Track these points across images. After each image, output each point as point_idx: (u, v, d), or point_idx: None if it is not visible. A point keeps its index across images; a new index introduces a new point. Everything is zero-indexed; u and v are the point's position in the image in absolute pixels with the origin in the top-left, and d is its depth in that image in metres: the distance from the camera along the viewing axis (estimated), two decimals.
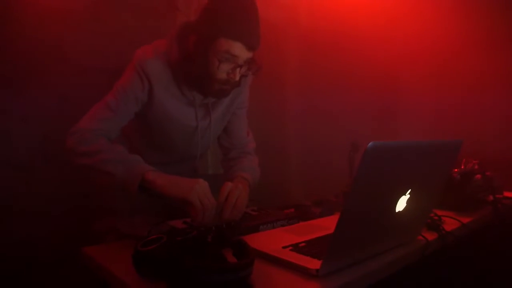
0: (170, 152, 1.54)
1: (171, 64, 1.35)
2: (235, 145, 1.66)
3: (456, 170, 1.66)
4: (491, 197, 1.63)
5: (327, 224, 1.31)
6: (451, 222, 1.37)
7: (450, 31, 2.60)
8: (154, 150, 1.52)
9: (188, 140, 1.50)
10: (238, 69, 1.30)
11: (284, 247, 1.04)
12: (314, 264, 0.91)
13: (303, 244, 1.08)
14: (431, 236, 1.22)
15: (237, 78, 1.31)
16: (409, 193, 1.00)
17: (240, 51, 1.26)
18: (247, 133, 1.69)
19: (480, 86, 2.53)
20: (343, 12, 2.93)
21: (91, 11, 2.26)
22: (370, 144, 0.78)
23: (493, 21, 2.46)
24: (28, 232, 1.99)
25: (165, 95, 1.37)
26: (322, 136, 3.06)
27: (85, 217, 1.56)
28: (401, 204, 1.00)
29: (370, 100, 3.00)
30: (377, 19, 2.83)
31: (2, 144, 2.01)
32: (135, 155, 1.26)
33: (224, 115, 1.57)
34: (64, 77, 2.19)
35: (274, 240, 1.13)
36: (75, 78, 2.22)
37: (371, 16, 2.82)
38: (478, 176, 1.66)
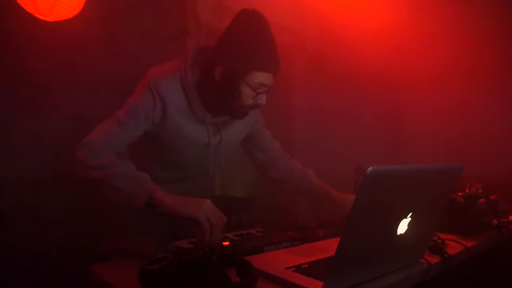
0: (182, 170, 1.58)
1: (184, 85, 1.40)
2: (274, 157, 1.77)
3: (460, 193, 1.67)
4: (495, 221, 1.63)
5: (330, 247, 1.31)
6: (454, 246, 1.37)
7: (456, 56, 2.63)
8: (166, 168, 1.56)
9: (200, 157, 1.54)
10: (265, 95, 1.38)
11: (287, 268, 1.06)
12: (316, 285, 0.92)
13: (306, 265, 1.09)
14: (434, 259, 1.22)
15: (264, 102, 1.39)
16: (410, 216, 1.02)
17: (270, 80, 1.36)
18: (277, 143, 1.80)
19: (486, 111, 2.54)
20: (348, 37, 2.98)
21: (104, 35, 2.33)
22: (369, 169, 0.81)
23: (500, 48, 2.49)
24: (37, 248, 2.01)
25: (177, 114, 1.42)
26: (329, 159, 3.08)
27: (94, 235, 1.58)
28: (403, 227, 1.02)
29: (377, 124, 3.02)
30: (384, 45, 2.88)
31: (16, 162, 2.06)
32: (143, 173, 1.29)
33: (238, 135, 1.63)
34: (77, 98, 2.25)
35: (277, 261, 1.14)
36: (88, 99, 2.28)
37: (377, 42, 2.87)
38: (482, 200, 1.66)
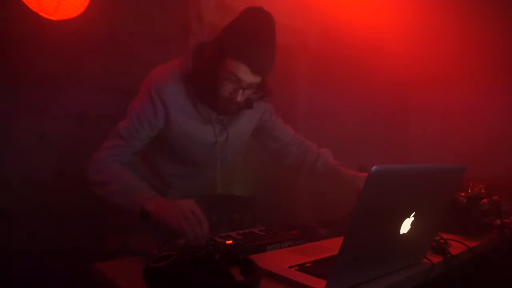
0: (190, 166, 1.59)
1: (186, 84, 1.40)
2: (288, 144, 1.77)
3: (462, 194, 1.67)
4: (498, 222, 1.63)
5: (333, 246, 1.32)
6: (457, 246, 1.38)
7: (459, 57, 2.63)
8: (175, 165, 1.57)
9: (208, 155, 1.55)
10: (240, 91, 1.33)
11: (290, 267, 1.07)
12: (319, 284, 0.93)
13: (309, 264, 1.10)
14: (436, 259, 1.22)
15: (239, 99, 1.35)
16: (413, 216, 1.02)
17: (244, 74, 1.29)
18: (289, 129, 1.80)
19: (488, 111, 2.54)
20: (351, 37, 2.98)
21: (107, 34, 2.34)
22: (374, 168, 0.81)
23: (504, 48, 2.49)
24: (40, 246, 2.02)
25: (182, 117, 1.41)
26: None
27: (97, 233, 1.59)
28: (405, 226, 1.02)
29: (380, 124, 3.02)
30: (385, 44, 2.87)
31: (19, 160, 2.06)
32: (138, 184, 1.30)
33: (246, 130, 1.63)
34: (80, 96, 2.25)
35: (280, 260, 1.15)
36: (91, 98, 2.28)
37: (379, 41, 2.86)
38: (485, 200, 1.65)
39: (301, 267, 1.07)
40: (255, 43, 1.28)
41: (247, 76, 1.30)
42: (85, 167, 1.36)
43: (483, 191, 1.75)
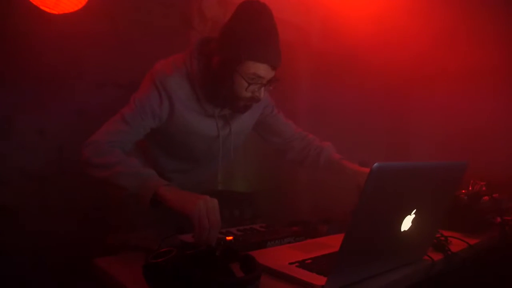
0: (191, 161, 1.59)
1: (190, 79, 1.39)
2: (290, 139, 1.76)
3: (463, 191, 1.66)
4: (498, 219, 1.62)
5: (333, 242, 1.32)
6: (457, 243, 1.37)
7: (462, 54, 2.62)
8: (175, 159, 1.56)
9: (209, 149, 1.54)
10: (262, 88, 1.36)
11: (290, 263, 1.06)
12: (319, 280, 0.93)
13: (309, 261, 1.09)
14: (437, 256, 1.22)
15: (262, 96, 1.37)
16: (414, 213, 1.02)
17: (266, 72, 1.31)
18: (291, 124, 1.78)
19: (490, 108, 2.53)
20: (353, 34, 2.97)
21: (108, 28, 2.33)
22: (375, 165, 0.81)
23: (506, 45, 2.48)
24: (40, 241, 2.02)
25: (185, 110, 1.41)
26: None
27: (98, 228, 1.59)
28: (407, 223, 1.02)
29: (380, 120, 3.02)
30: (387, 40, 2.86)
31: (20, 155, 2.06)
32: (149, 169, 1.26)
33: (248, 124, 1.63)
34: (81, 91, 2.25)
35: (281, 256, 1.15)
36: (91, 92, 2.28)
37: (381, 37, 2.85)
38: (486, 197, 1.65)
39: (302, 264, 1.07)
40: (269, 40, 1.30)
41: (268, 73, 1.32)
42: (82, 148, 1.28)
43: (484, 188, 1.75)
